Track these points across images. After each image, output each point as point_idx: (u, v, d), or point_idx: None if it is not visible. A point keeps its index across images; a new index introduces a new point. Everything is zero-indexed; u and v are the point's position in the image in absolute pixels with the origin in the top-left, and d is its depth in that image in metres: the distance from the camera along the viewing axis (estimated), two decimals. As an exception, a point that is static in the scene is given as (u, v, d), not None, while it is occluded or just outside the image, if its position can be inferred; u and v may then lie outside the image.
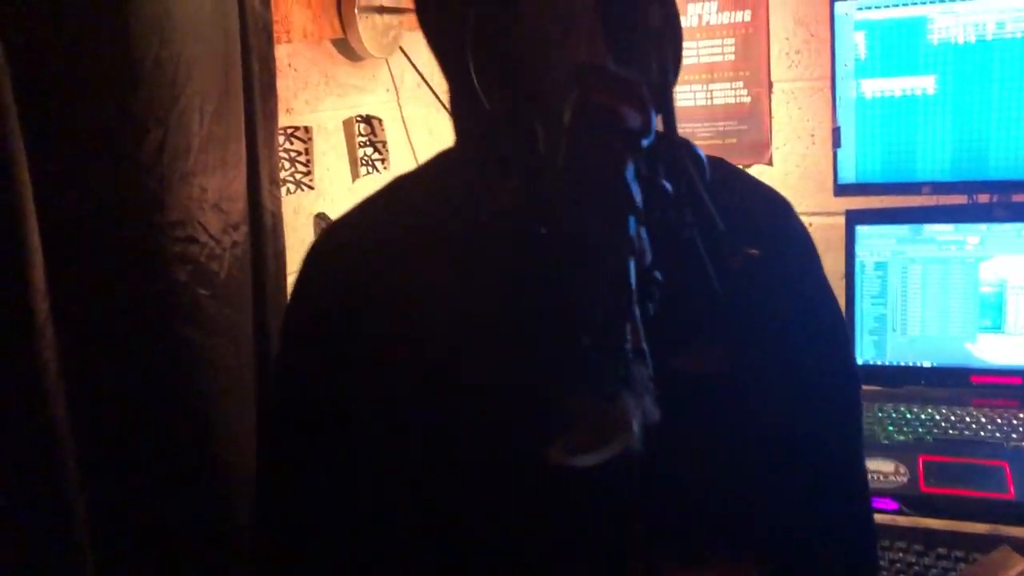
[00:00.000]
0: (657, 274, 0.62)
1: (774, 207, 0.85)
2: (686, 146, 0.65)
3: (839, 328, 0.91)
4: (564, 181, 0.55)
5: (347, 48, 1.84)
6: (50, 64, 1.08)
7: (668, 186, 0.62)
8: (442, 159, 0.90)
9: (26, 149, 1.05)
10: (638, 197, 0.54)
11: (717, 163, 0.90)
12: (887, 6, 1.66)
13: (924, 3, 1.64)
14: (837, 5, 1.70)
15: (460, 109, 0.82)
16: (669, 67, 0.65)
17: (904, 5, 1.65)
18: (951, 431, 1.60)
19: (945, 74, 1.66)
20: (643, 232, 0.62)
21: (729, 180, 0.83)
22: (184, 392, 1.25)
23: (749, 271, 0.70)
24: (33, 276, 1.07)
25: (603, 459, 0.52)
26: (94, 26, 1.12)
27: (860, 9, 1.68)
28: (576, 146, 0.55)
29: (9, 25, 1.03)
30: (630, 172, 0.54)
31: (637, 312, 0.59)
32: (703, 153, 0.66)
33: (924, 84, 1.67)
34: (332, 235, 0.90)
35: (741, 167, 0.95)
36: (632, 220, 0.54)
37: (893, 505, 1.47)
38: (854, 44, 1.70)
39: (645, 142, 0.57)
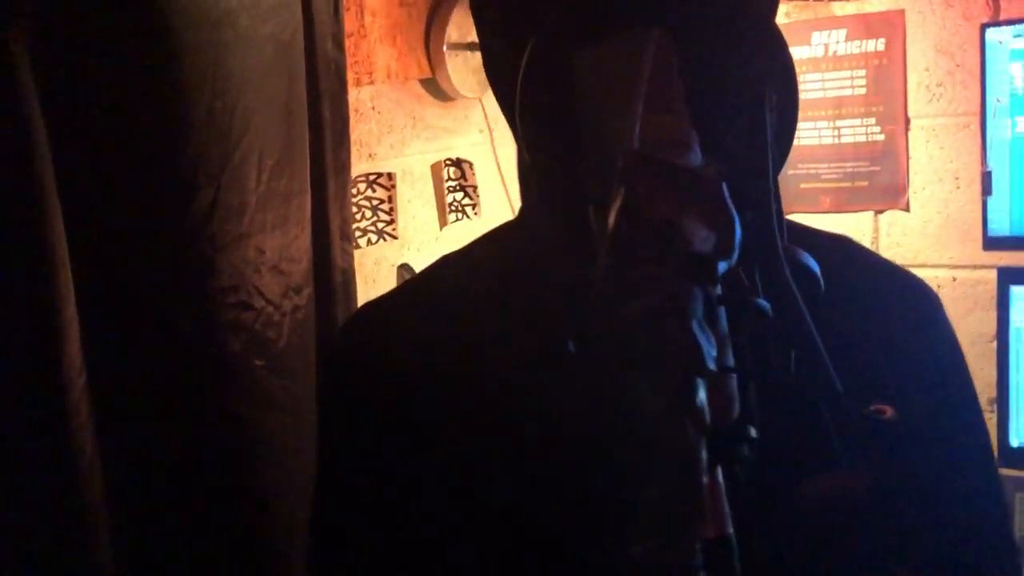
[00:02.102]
0: (751, 431, 0.45)
1: (916, 306, 0.67)
2: (792, 257, 0.47)
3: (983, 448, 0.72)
4: (604, 315, 0.39)
5: (436, 88, 1.72)
6: (90, 114, 0.99)
7: (767, 306, 0.45)
8: (501, 233, 0.76)
9: (63, 209, 0.96)
10: (709, 353, 0.38)
11: (839, 245, 0.72)
12: (1050, 32, 1.43)
13: (1096, 28, 1.40)
14: (988, 31, 1.47)
15: (524, 175, 0.68)
16: (770, 150, 0.48)
17: (1071, 30, 1.42)
18: None
19: (1122, 110, 1.41)
20: (732, 380, 0.45)
21: (855, 270, 0.65)
22: (236, 475, 1.14)
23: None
24: (68, 349, 0.98)
25: None
26: (141, 76, 1.03)
27: (1017, 36, 1.45)
28: (622, 273, 0.39)
29: (44, 72, 0.94)
30: (697, 316, 0.38)
31: (722, 485, 0.43)
32: (815, 265, 0.49)
33: (1096, 122, 1.43)
34: (364, 314, 0.77)
35: (869, 251, 0.77)
36: (699, 385, 0.37)
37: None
38: (1010, 76, 1.47)
39: (723, 266, 0.40)
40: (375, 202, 1.63)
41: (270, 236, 1.17)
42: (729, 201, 0.42)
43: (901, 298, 0.69)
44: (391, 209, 1.65)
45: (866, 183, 1.80)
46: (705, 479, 0.39)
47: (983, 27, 1.48)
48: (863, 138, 1.78)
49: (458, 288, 0.69)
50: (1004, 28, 1.46)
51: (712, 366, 0.38)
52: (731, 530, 0.43)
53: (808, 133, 1.83)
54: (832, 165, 1.82)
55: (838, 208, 1.83)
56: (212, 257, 1.10)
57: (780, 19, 1.86)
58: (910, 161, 1.77)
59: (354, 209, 1.53)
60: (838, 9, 1.78)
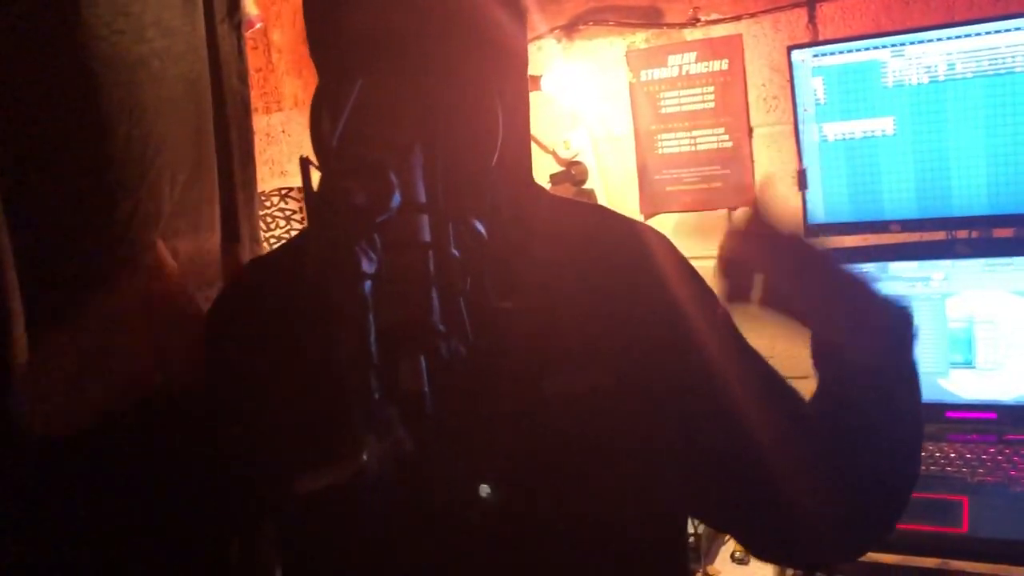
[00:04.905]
0: (440, 326, 0.71)
1: (640, 242, 0.95)
2: (460, 218, 0.73)
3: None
4: (313, 250, 0.65)
5: (341, 113, 1.97)
6: (26, 142, 1.24)
7: (456, 253, 0.72)
8: None
9: (7, 220, 1.21)
10: (367, 265, 0.64)
11: (588, 210, 1.00)
12: (841, 52, 1.71)
13: (876, 48, 1.68)
14: (794, 53, 1.76)
15: None
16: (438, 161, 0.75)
17: (856, 50, 1.70)
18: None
19: (902, 115, 1.70)
20: (434, 293, 0.71)
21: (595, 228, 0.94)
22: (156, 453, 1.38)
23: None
24: (16, 334, 1.22)
25: (322, 483, 0.62)
26: (69, 110, 1.27)
27: (816, 56, 1.74)
28: (318, 221, 0.65)
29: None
30: (360, 244, 0.64)
31: (423, 362, 0.68)
32: (480, 225, 0.75)
33: (883, 126, 1.71)
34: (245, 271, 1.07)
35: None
36: (367, 285, 0.63)
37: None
38: (813, 89, 1.75)
39: (380, 218, 0.66)
40: (288, 212, 1.88)
41: (183, 240, 1.42)
42: (393, 178, 0.68)
43: (629, 236, 0.97)
44: (303, 219, 1.90)
45: (720, 184, 2.08)
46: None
47: (789, 49, 1.76)
48: (715, 146, 2.06)
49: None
50: (806, 49, 1.74)
51: (368, 270, 0.64)
52: (426, 388, 0.68)
53: (669, 143, 2.11)
54: (691, 170, 2.10)
55: (699, 207, 2.11)
56: (133, 258, 1.34)
57: (641, 44, 2.15)
58: (754, 164, 2.05)
59: (269, 220, 1.78)
60: (688, 35, 2.06)
